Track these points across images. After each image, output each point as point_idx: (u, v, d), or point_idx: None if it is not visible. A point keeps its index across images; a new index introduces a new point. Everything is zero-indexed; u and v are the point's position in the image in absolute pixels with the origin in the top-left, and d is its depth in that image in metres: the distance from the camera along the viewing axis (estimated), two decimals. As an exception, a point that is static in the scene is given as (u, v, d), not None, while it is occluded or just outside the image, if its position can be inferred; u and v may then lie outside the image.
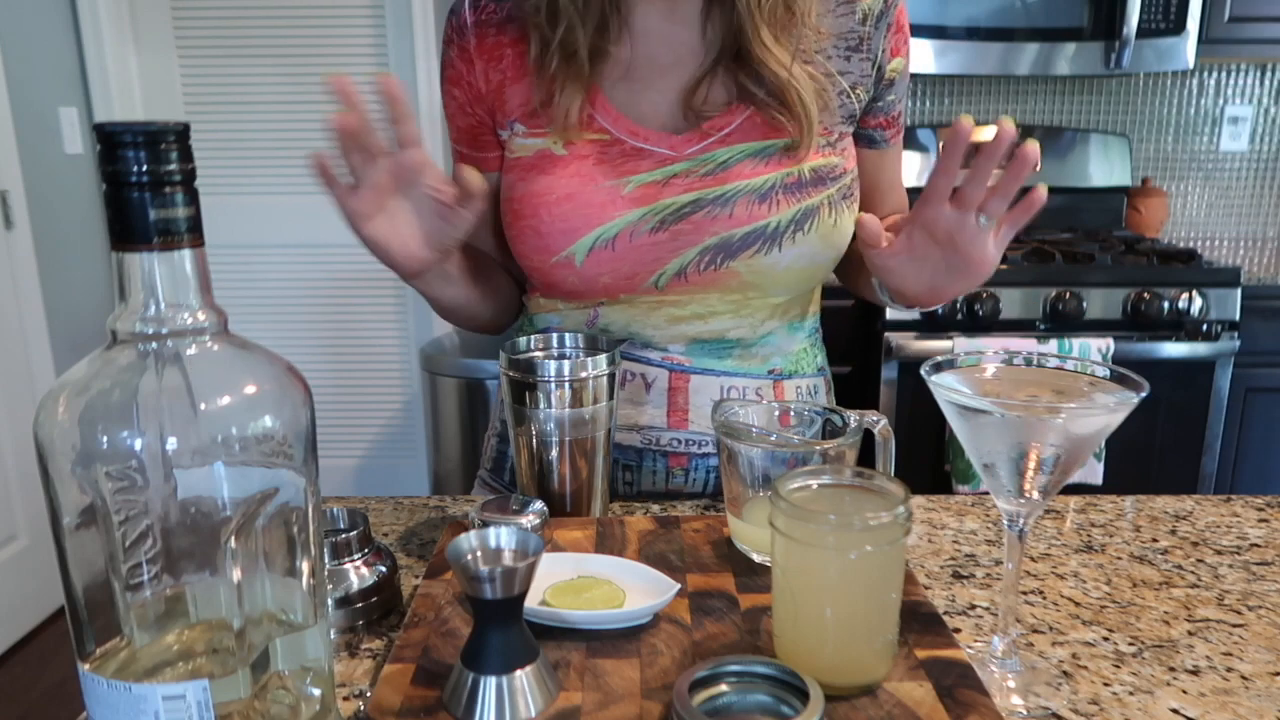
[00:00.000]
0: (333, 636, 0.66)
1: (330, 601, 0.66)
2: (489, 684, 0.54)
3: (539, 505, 0.75)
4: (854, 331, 2.23)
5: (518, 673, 0.54)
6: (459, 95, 0.91)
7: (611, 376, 0.80)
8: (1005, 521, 0.62)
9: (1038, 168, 0.68)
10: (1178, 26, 2.27)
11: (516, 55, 0.88)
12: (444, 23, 0.92)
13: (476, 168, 0.89)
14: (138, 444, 0.42)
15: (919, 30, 2.28)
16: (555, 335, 0.86)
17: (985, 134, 0.70)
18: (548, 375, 0.78)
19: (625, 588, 0.66)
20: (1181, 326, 2.14)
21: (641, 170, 0.86)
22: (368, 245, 0.79)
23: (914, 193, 0.77)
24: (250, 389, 0.45)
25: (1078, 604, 0.72)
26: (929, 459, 2.17)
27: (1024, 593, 0.74)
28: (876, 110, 0.94)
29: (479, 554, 0.57)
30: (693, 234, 0.86)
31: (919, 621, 0.64)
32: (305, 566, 0.49)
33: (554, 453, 0.80)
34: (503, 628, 0.54)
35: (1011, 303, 2.13)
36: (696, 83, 0.88)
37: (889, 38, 0.90)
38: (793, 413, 0.78)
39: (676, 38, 0.88)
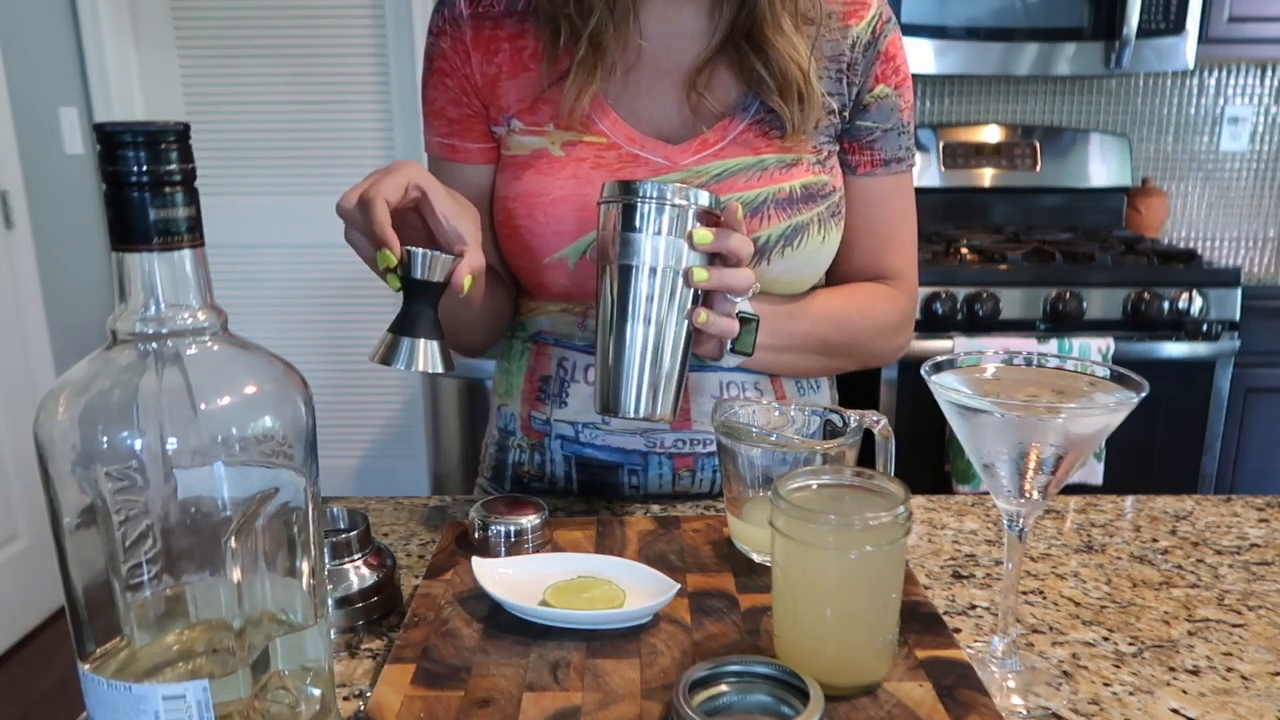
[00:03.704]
0: (333, 636, 0.66)
1: (330, 601, 0.66)
2: (404, 342, 0.69)
3: (539, 504, 0.76)
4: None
5: (420, 340, 0.69)
6: (452, 85, 0.90)
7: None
8: (1005, 521, 0.62)
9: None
10: (1178, 26, 2.27)
11: (514, 50, 0.88)
12: (430, 15, 0.91)
13: (461, 161, 0.90)
14: (138, 444, 0.42)
15: (919, 30, 2.28)
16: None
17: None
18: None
19: (625, 588, 0.66)
20: (1181, 326, 2.14)
21: (637, 178, 0.86)
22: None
23: (920, 192, 0.75)
24: (250, 389, 0.45)
25: (1078, 604, 0.72)
26: (929, 459, 2.17)
27: (1024, 593, 0.74)
28: (849, 134, 0.94)
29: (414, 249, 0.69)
30: None
31: (919, 621, 0.64)
32: (305, 566, 0.49)
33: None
34: (424, 305, 0.70)
35: (1011, 303, 2.13)
36: (701, 65, 0.87)
37: (876, 66, 0.91)
38: (793, 413, 0.78)
39: (683, 33, 0.88)
